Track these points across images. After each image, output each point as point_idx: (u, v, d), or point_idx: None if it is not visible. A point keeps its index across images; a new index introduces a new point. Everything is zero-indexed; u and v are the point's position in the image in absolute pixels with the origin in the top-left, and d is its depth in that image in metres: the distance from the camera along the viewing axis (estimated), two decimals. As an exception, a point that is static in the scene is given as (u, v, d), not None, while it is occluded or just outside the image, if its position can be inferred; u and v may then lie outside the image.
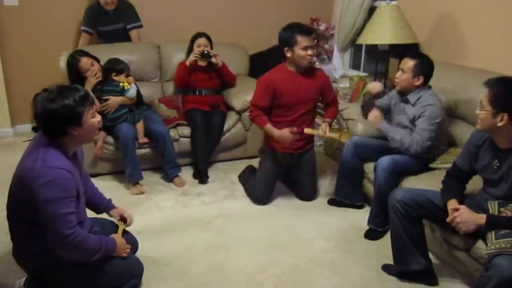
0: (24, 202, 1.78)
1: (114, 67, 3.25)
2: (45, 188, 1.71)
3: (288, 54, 2.85)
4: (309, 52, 2.81)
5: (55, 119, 1.77)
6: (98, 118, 1.92)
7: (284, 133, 2.85)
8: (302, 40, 2.78)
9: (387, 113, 2.89)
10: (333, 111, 3.12)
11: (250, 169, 3.37)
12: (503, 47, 2.93)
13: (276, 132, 2.88)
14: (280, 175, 3.18)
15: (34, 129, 4.42)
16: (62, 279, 1.95)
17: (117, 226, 2.18)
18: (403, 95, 2.74)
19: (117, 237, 2.06)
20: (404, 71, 2.64)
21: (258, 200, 3.08)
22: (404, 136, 2.62)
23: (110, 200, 2.27)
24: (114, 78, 3.23)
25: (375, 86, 3.09)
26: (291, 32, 2.80)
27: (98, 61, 3.31)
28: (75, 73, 3.24)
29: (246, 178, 3.29)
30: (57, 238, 1.77)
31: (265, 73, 2.98)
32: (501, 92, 1.88)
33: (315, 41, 2.86)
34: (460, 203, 2.06)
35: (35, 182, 1.72)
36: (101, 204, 2.22)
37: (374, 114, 2.75)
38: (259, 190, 3.08)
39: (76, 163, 1.93)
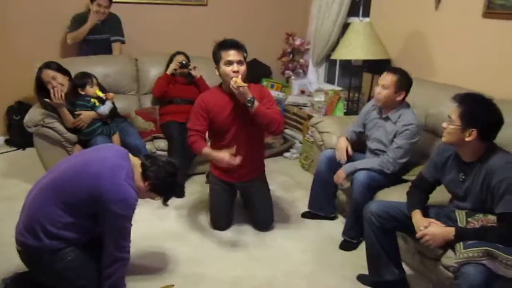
0: (80, 188, 1.90)
1: (77, 82, 3.20)
2: (122, 204, 1.90)
3: (217, 73, 2.69)
4: (235, 67, 2.58)
5: (162, 182, 2.11)
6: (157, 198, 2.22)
7: (221, 154, 2.59)
8: (225, 55, 2.59)
9: (360, 137, 2.94)
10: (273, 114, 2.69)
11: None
12: (468, 63, 3.06)
13: (214, 154, 2.64)
14: (232, 201, 2.98)
15: (7, 141, 4.34)
16: (52, 271, 1.97)
17: None
18: (381, 112, 2.78)
19: None
20: (385, 86, 2.64)
21: (214, 227, 2.93)
22: (372, 162, 2.69)
23: None
24: (82, 92, 3.19)
25: (341, 148, 2.87)
26: (216, 48, 2.64)
27: (67, 74, 3.25)
28: (38, 84, 3.22)
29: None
30: (115, 246, 1.96)
31: (200, 95, 2.83)
32: (472, 109, 1.94)
33: (244, 55, 2.64)
34: (424, 213, 2.13)
35: (114, 191, 1.89)
36: None
37: (339, 176, 2.78)
38: (213, 216, 2.95)
39: None
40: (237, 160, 2.58)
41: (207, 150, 2.68)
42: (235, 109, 2.69)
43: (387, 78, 2.65)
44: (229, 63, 2.59)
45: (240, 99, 2.59)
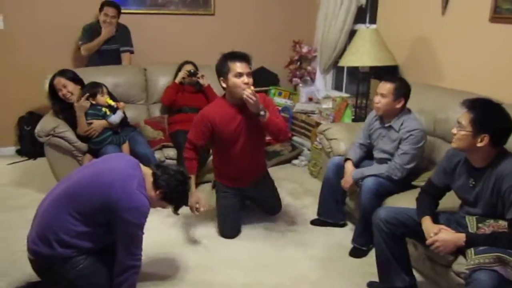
0: (93, 198, 1.94)
1: (87, 91, 3.23)
2: (134, 212, 1.94)
3: (224, 85, 2.68)
4: (245, 79, 2.61)
5: (173, 190, 2.14)
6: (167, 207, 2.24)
7: (193, 195, 2.76)
8: (234, 67, 2.61)
9: (369, 147, 2.91)
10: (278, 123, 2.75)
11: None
12: (475, 68, 3.05)
13: (191, 191, 2.72)
14: (240, 207, 3.01)
15: (18, 151, 4.39)
16: (64, 279, 1.99)
17: None
18: (383, 121, 2.78)
19: None
20: (384, 95, 2.65)
21: (224, 236, 2.92)
22: (380, 168, 2.69)
23: None
24: (92, 102, 3.22)
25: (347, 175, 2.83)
26: (223, 60, 2.65)
27: (80, 83, 3.32)
28: (51, 90, 3.29)
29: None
30: (126, 253, 1.99)
31: (204, 108, 2.82)
32: (484, 114, 1.93)
33: (250, 67, 2.67)
34: (434, 219, 2.12)
35: (126, 200, 1.92)
36: None
37: (346, 181, 2.79)
38: (222, 226, 2.93)
39: None
40: (196, 213, 2.80)
41: (191, 179, 2.74)
42: (242, 121, 2.72)
43: (385, 87, 2.66)
44: (239, 75, 2.61)
45: (252, 110, 2.61)
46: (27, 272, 2.20)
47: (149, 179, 2.09)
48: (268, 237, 2.95)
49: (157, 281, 2.44)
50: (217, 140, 2.78)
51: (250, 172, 2.90)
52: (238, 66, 2.61)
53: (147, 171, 2.12)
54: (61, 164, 3.28)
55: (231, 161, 2.83)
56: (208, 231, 3.00)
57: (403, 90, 2.65)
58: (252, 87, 2.60)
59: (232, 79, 2.62)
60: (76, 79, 3.31)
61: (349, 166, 2.83)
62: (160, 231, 2.98)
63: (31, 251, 2.00)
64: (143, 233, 2.03)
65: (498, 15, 2.86)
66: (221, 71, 2.67)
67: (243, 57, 2.65)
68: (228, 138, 2.75)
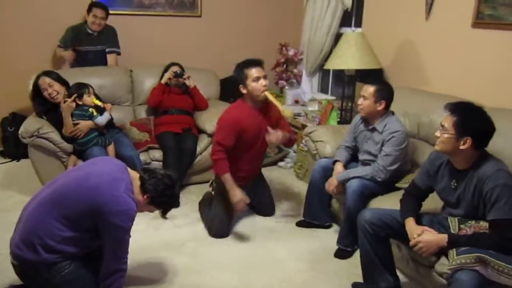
0: (80, 202, 1.92)
1: (73, 92, 3.21)
2: (122, 216, 1.93)
3: (244, 91, 2.85)
4: (263, 82, 2.81)
5: (161, 194, 2.12)
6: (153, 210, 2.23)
7: (237, 192, 2.80)
8: (251, 72, 2.80)
9: (355, 151, 2.94)
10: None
11: (207, 198, 3.20)
12: (458, 72, 3.11)
13: (232, 186, 2.80)
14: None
15: (1, 153, 4.33)
16: (49, 284, 1.97)
17: None
18: (368, 123, 2.82)
19: None
20: (366, 97, 2.71)
21: (217, 236, 2.95)
22: (364, 170, 2.72)
23: None
24: (79, 102, 3.20)
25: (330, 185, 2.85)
26: (239, 69, 2.84)
27: (65, 84, 3.30)
28: (35, 90, 3.28)
29: (203, 209, 3.17)
30: (113, 257, 1.98)
31: (228, 110, 2.93)
32: (467, 117, 1.98)
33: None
34: (417, 220, 2.16)
35: (114, 203, 1.91)
36: None
37: (330, 183, 2.81)
38: (218, 226, 2.96)
39: None
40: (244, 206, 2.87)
41: (228, 177, 2.81)
42: (261, 123, 2.89)
43: (366, 89, 2.72)
44: (257, 79, 2.80)
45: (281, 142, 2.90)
46: (10, 275, 2.17)
47: (137, 183, 2.08)
48: (255, 239, 2.96)
49: (145, 285, 2.43)
50: (240, 141, 2.86)
51: (255, 170, 3.15)
52: (254, 71, 2.80)
53: (134, 175, 2.11)
54: (45, 165, 3.25)
55: (244, 161, 2.96)
56: (194, 234, 3.00)
57: (383, 93, 2.69)
58: (280, 104, 2.85)
59: (252, 84, 2.80)
60: (61, 80, 3.30)
61: (338, 167, 2.86)
62: (147, 234, 2.96)
63: (14, 255, 1.97)
64: (129, 237, 2.03)
65: (480, 20, 2.92)
66: (240, 79, 2.84)
67: (257, 62, 2.85)
68: (249, 139, 2.89)
